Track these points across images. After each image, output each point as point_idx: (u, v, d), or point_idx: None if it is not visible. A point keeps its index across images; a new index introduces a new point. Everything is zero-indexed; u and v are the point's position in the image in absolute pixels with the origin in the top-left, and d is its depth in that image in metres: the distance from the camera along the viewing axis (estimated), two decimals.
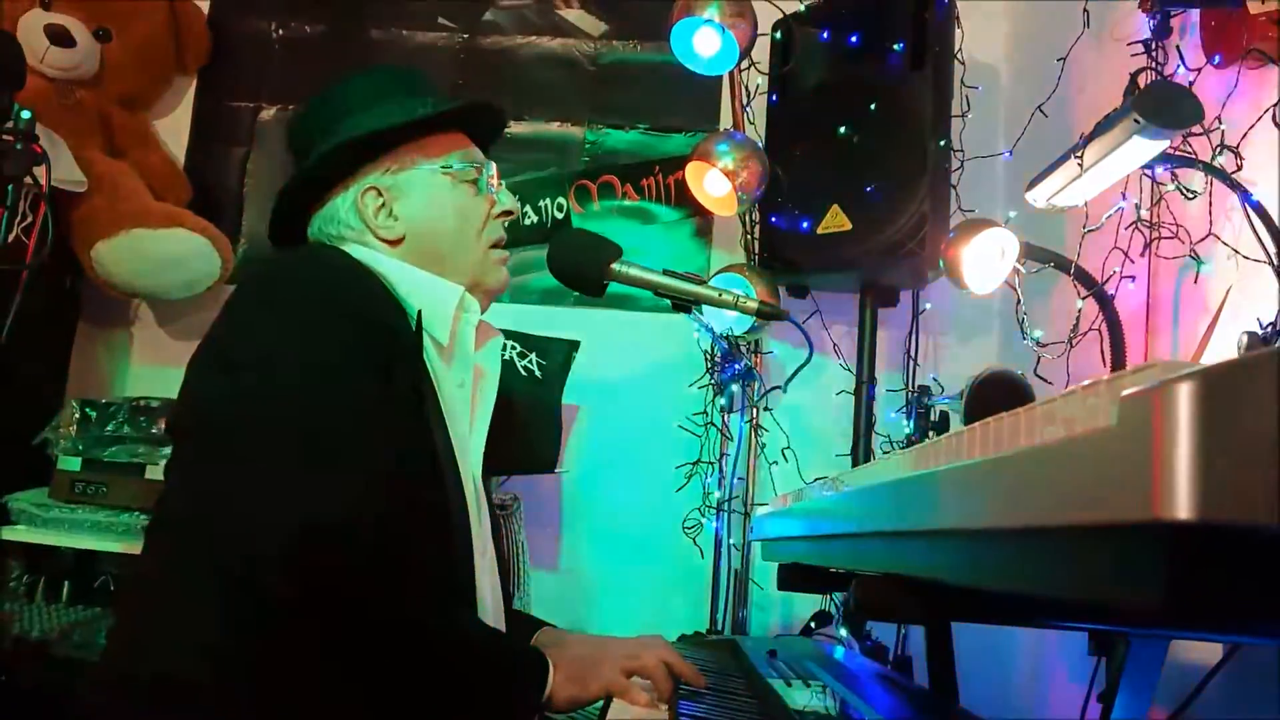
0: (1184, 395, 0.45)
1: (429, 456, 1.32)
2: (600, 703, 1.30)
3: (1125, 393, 0.49)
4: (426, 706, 1.21)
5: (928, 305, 2.61)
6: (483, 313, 1.47)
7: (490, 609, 1.40)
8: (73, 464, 2.46)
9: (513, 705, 1.26)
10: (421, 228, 1.45)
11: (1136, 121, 1.23)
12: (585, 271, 1.52)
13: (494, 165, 1.54)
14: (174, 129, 3.07)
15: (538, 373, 2.50)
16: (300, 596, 1.12)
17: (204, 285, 2.75)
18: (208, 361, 1.29)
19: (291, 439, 1.16)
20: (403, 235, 1.44)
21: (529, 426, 2.43)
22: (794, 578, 1.70)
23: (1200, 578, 0.45)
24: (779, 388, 2.29)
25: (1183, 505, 0.44)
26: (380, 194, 1.45)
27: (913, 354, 2.58)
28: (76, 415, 2.49)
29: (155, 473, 2.44)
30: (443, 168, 1.47)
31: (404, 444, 1.28)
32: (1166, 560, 0.46)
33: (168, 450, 2.46)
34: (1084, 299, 1.64)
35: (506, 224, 1.52)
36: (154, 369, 2.95)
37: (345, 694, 1.18)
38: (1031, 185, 1.60)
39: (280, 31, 3.13)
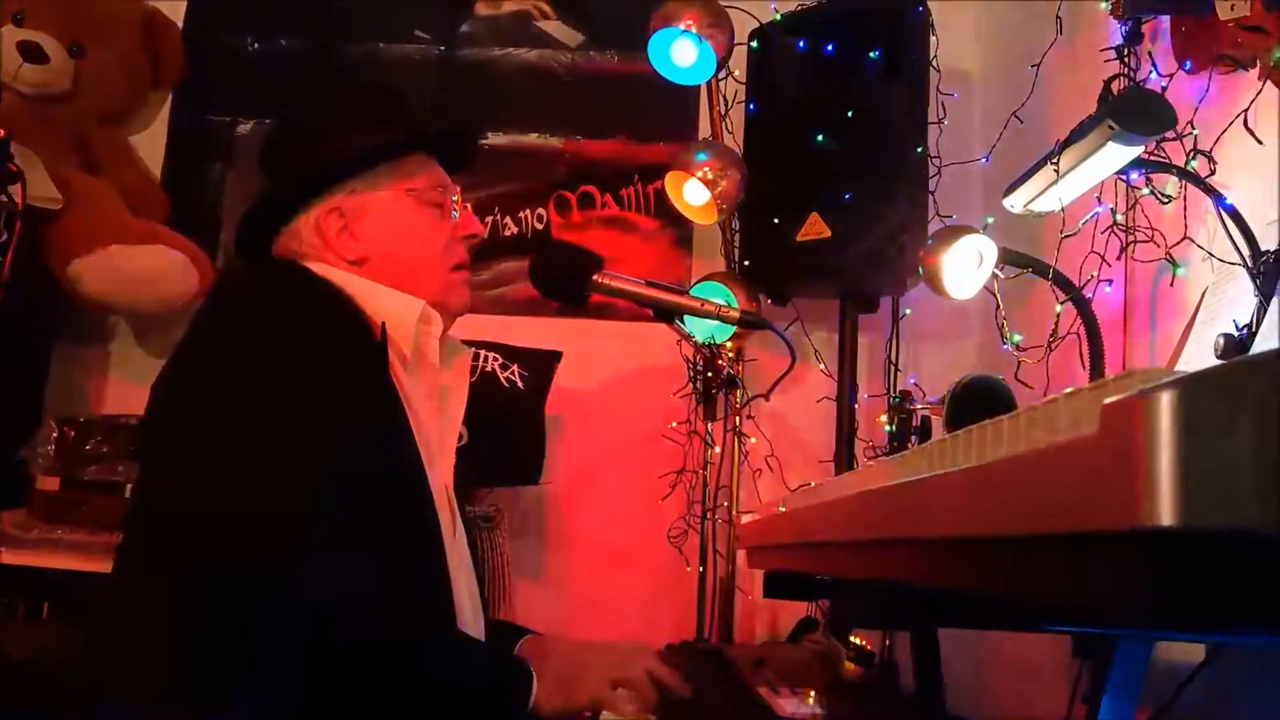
0: (1165, 403, 0.45)
1: (400, 468, 1.31)
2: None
3: (1107, 401, 0.49)
4: (401, 716, 1.19)
5: (907, 311, 2.63)
6: (445, 330, 1.47)
7: (469, 620, 1.40)
8: (51, 483, 2.44)
9: (495, 714, 1.26)
10: (382, 249, 1.45)
11: (1111, 128, 1.24)
12: (568, 283, 1.52)
13: (458, 189, 1.54)
14: (150, 145, 3.05)
15: (519, 384, 2.50)
16: (270, 610, 1.10)
17: (182, 301, 2.73)
18: (172, 382, 1.28)
19: (260, 450, 1.16)
20: (364, 256, 1.44)
21: (511, 438, 2.43)
22: (781, 585, 1.71)
23: (1185, 583, 0.45)
24: (762, 396, 2.30)
25: (1166, 512, 0.44)
26: (342, 214, 1.44)
27: (893, 360, 2.59)
28: (55, 434, 2.47)
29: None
30: (407, 190, 1.47)
31: (375, 456, 1.27)
32: (1152, 567, 0.46)
33: None
34: (1063, 303, 1.65)
35: (472, 247, 1.52)
36: (132, 386, 2.91)
37: (321, 709, 1.17)
38: (1009, 191, 1.61)
39: (256, 45, 3.12)
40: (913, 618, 0.97)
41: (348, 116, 1.52)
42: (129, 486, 2.43)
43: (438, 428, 1.44)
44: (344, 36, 3.11)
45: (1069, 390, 0.59)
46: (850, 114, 2.41)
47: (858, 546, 0.91)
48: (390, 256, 1.45)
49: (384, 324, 1.36)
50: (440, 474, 1.41)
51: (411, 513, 1.32)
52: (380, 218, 1.45)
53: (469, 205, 1.52)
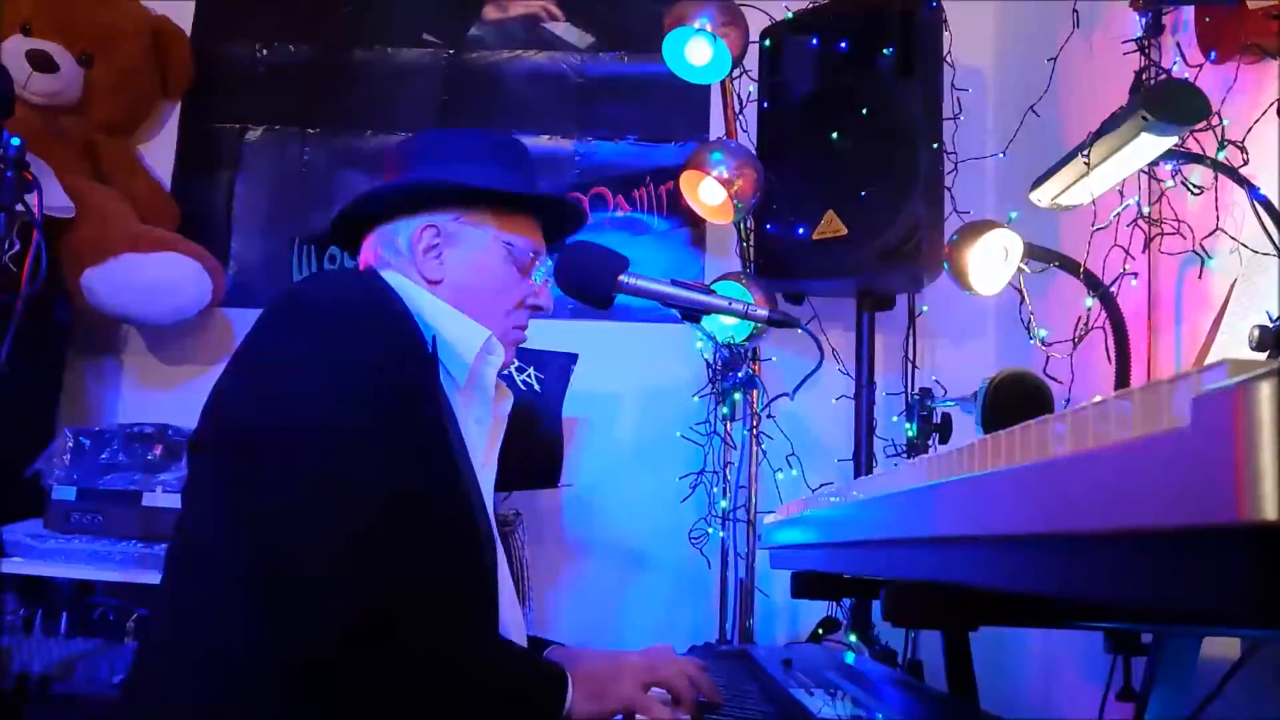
0: (1266, 393, 0.44)
1: (457, 480, 1.33)
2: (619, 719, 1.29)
3: (1200, 392, 0.48)
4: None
5: (924, 308, 2.62)
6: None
7: (512, 629, 1.39)
8: (68, 493, 2.43)
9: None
10: (461, 280, 1.48)
11: (1145, 119, 1.23)
12: (594, 284, 1.51)
13: (547, 260, 1.57)
14: (159, 153, 3.05)
15: (536, 386, 2.48)
16: (347, 618, 1.12)
17: (195, 309, 2.72)
18: (239, 380, 1.29)
19: (328, 458, 1.17)
20: (442, 279, 1.47)
21: (529, 441, 2.42)
22: (809, 586, 1.70)
23: None
24: (786, 395, 2.28)
25: (1270, 506, 0.43)
26: (439, 235, 1.47)
27: (911, 357, 2.58)
28: (70, 444, 2.46)
29: (153, 499, 2.41)
30: (505, 241, 1.50)
31: (436, 467, 1.30)
32: (1256, 562, 0.45)
33: (165, 476, 2.45)
34: (1092, 299, 1.63)
35: (532, 317, 1.56)
36: (146, 394, 2.92)
37: (372, 711, 1.17)
38: (1036, 185, 1.60)
39: (264, 52, 3.12)
40: (961, 618, 0.95)
41: (480, 148, 1.55)
42: (145, 494, 2.43)
43: (482, 452, 1.45)
44: (352, 42, 3.10)
45: (1145, 383, 0.57)
46: (865, 111, 2.39)
47: (907, 545, 0.90)
48: (464, 290, 1.47)
49: (434, 338, 1.37)
50: (485, 494, 1.43)
51: (468, 523, 1.33)
52: (469, 253, 1.49)
53: (549, 282, 1.56)
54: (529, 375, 2.49)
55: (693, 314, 1.51)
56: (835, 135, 2.40)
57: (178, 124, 3.08)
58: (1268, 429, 0.43)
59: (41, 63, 2.66)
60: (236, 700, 1.17)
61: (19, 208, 1.87)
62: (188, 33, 3.06)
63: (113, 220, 2.66)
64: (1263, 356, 1.32)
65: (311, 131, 3.07)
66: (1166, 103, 1.24)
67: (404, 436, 1.24)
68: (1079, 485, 0.59)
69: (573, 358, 2.55)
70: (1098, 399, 0.62)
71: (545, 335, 2.62)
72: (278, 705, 1.16)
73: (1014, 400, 1.38)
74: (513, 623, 1.42)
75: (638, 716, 1.28)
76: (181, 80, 3.03)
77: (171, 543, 1.34)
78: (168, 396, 2.86)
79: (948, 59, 2.49)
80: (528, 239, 1.53)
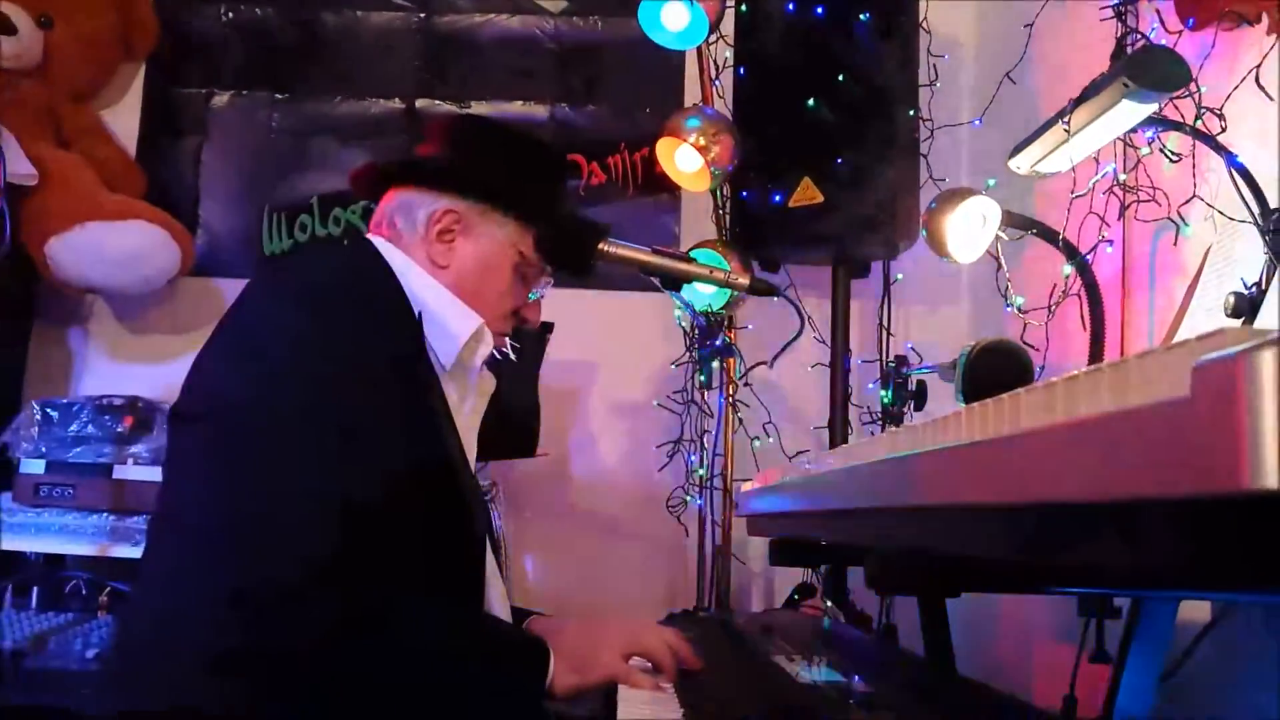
0: (1269, 362, 0.44)
1: (447, 454, 1.33)
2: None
3: (1199, 362, 0.48)
4: (430, 697, 1.20)
5: (899, 276, 2.62)
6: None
7: (496, 602, 1.40)
8: (36, 466, 2.39)
9: (512, 694, 1.26)
10: (465, 271, 1.47)
11: (1125, 85, 1.23)
12: (575, 252, 1.50)
13: (550, 283, 1.58)
14: (123, 118, 2.98)
15: (512, 356, 2.46)
16: (332, 597, 1.13)
17: (163, 278, 2.68)
18: (224, 349, 1.28)
19: (322, 433, 1.17)
20: (448, 266, 1.46)
21: (506, 411, 2.40)
22: (788, 553, 1.71)
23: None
24: (764, 363, 2.28)
25: (1272, 475, 0.43)
26: (458, 220, 1.46)
27: (886, 324, 2.59)
28: (37, 416, 2.42)
29: (124, 472, 2.38)
30: (518, 250, 1.49)
31: (426, 439, 1.30)
32: (1255, 530, 0.45)
33: (136, 449, 2.42)
34: (1070, 267, 1.64)
35: (517, 328, 1.58)
36: (114, 365, 2.87)
37: (353, 682, 1.17)
38: (1015, 152, 1.60)
39: (230, 15, 3.05)
40: (943, 585, 0.96)
41: (532, 156, 1.56)
42: (116, 467, 2.40)
43: (464, 431, 1.45)
44: (321, 5, 3.04)
45: (1139, 353, 0.57)
46: (841, 77, 2.38)
47: (893, 514, 0.90)
48: (465, 281, 1.47)
49: (420, 313, 1.36)
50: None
51: (456, 496, 1.33)
52: (481, 248, 1.48)
53: (543, 300, 1.58)
54: (505, 345, 2.47)
55: (673, 282, 1.50)
56: (811, 102, 2.39)
57: (142, 89, 3.02)
58: (1269, 398, 0.43)
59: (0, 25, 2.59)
60: (219, 675, 1.16)
61: None
62: None
63: (77, 188, 2.61)
64: (1238, 323, 1.33)
65: (280, 97, 3.02)
66: (1148, 69, 1.24)
67: (393, 414, 1.24)
68: (1074, 454, 0.59)
69: (549, 327, 2.53)
70: (1091, 367, 0.62)
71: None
72: (262, 681, 1.16)
73: (994, 369, 1.39)
74: (496, 595, 1.42)
75: (619, 686, 1.28)
76: (146, 43, 2.96)
77: (153, 515, 1.33)
78: (137, 367, 2.82)
79: (924, 25, 2.48)
80: (541, 254, 1.53)
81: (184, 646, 1.18)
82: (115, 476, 2.39)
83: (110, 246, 2.56)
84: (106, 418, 2.44)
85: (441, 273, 1.45)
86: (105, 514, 2.35)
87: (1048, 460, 0.62)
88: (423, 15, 3.03)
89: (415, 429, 1.28)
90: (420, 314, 1.37)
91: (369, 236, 1.49)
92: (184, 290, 2.83)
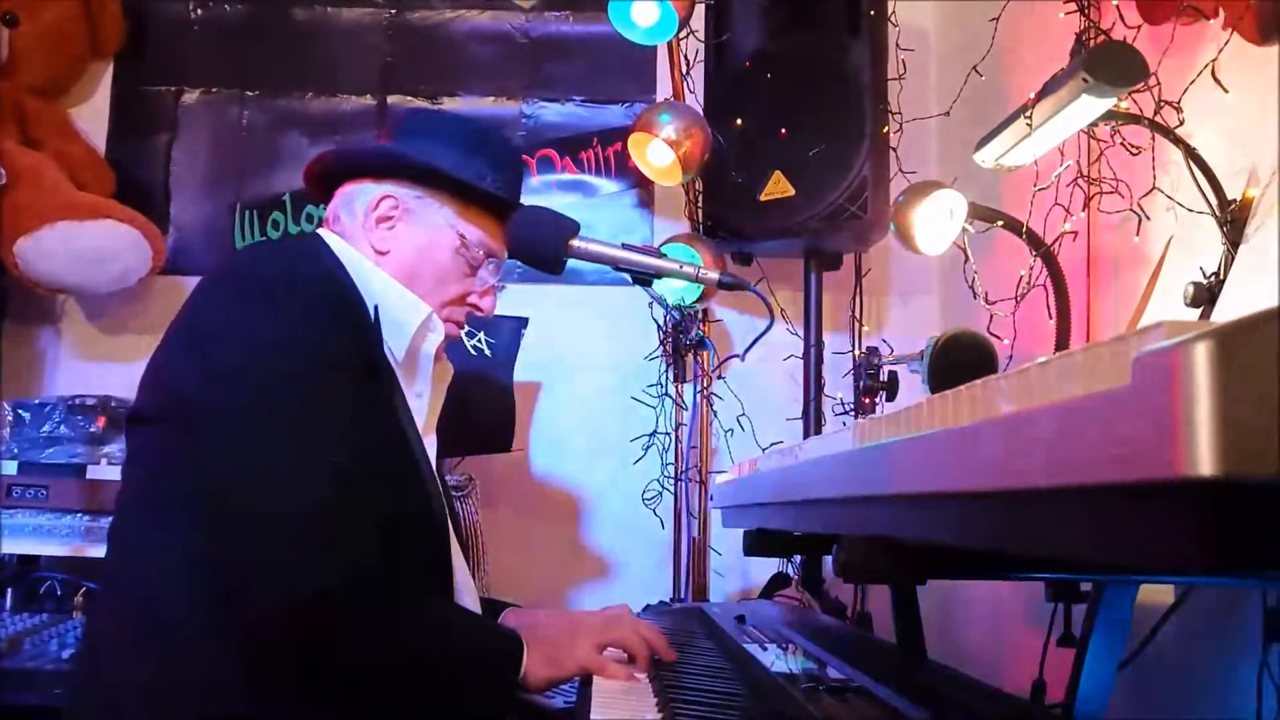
0: (1201, 354, 0.46)
1: (407, 446, 1.33)
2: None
3: (1139, 353, 0.50)
4: (399, 693, 1.20)
5: (871, 268, 2.65)
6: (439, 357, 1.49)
7: (466, 595, 1.41)
8: (9, 467, 2.38)
9: (486, 688, 1.26)
10: (406, 258, 1.46)
11: (1085, 80, 1.25)
12: (545, 249, 1.51)
13: (500, 267, 1.56)
14: (92, 117, 2.95)
15: (487, 351, 2.48)
16: (299, 593, 1.13)
17: (134, 277, 2.67)
18: (180, 349, 1.27)
19: (279, 430, 1.17)
20: (389, 251, 1.46)
21: (482, 406, 2.41)
22: (761, 543, 1.73)
23: (1227, 530, 0.46)
24: (737, 356, 2.31)
25: (1206, 462, 0.45)
26: (395, 205, 1.46)
27: (858, 316, 2.61)
28: (10, 417, 2.41)
29: (97, 472, 2.37)
30: (459, 234, 1.49)
31: (385, 432, 1.30)
32: (1191, 516, 0.47)
33: (109, 449, 2.41)
34: (1035, 258, 1.67)
35: (470, 316, 1.55)
36: (86, 365, 2.86)
37: (326, 679, 1.17)
38: (980, 145, 1.62)
39: (199, 11, 3.03)
40: (912, 572, 0.98)
41: (469, 138, 1.54)
42: (90, 468, 2.39)
43: (422, 426, 1.45)
44: (290, 2, 3.03)
45: (1088, 345, 0.59)
46: (811, 71, 2.40)
47: (861, 503, 0.92)
48: (406, 267, 1.46)
49: (376, 306, 1.36)
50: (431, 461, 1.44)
51: (420, 490, 1.33)
52: (422, 233, 1.47)
53: (499, 290, 1.55)
54: (479, 340, 2.48)
55: (644, 278, 1.52)
56: (782, 96, 2.41)
57: (111, 86, 2.99)
58: (1203, 388, 0.45)
59: None
60: (188, 674, 1.17)
61: None
62: None
63: (45, 187, 2.58)
64: (1196, 313, 1.36)
65: (250, 94, 3.00)
66: (1106, 64, 1.26)
67: (351, 409, 1.24)
68: (1024, 443, 0.61)
69: (523, 322, 2.54)
70: (1042, 359, 0.64)
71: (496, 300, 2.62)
72: (232, 680, 1.16)
73: (960, 359, 1.41)
74: (465, 588, 1.43)
75: (594, 677, 1.29)
76: (113, 40, 2.94)
77: (115, 518, 1.32)
78: (109, 367, 2.81)
79: (892, 19, 2.50)
80: (484, 236, 1.51)
81: (159, 647, 1.18)
82: (89, 477, 2.38)
83: (81, 245, 2.54)
84: (79, 418, 2.43)
85: (383, 260, 1.45)
86: (79, 514, 2.34)
87: (1002, 449, 0.64)
88: (393, 11, 3.02)
89: (370, 420, 1.28)
90: (377, 307, 1.36)
91: (319, 232, 1.49)
92: (156, 289, 2.81)
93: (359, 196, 1.47)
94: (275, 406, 1.18)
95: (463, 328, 1.57)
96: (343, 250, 1.43)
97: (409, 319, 1.41)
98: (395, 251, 1.46)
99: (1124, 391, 0.50)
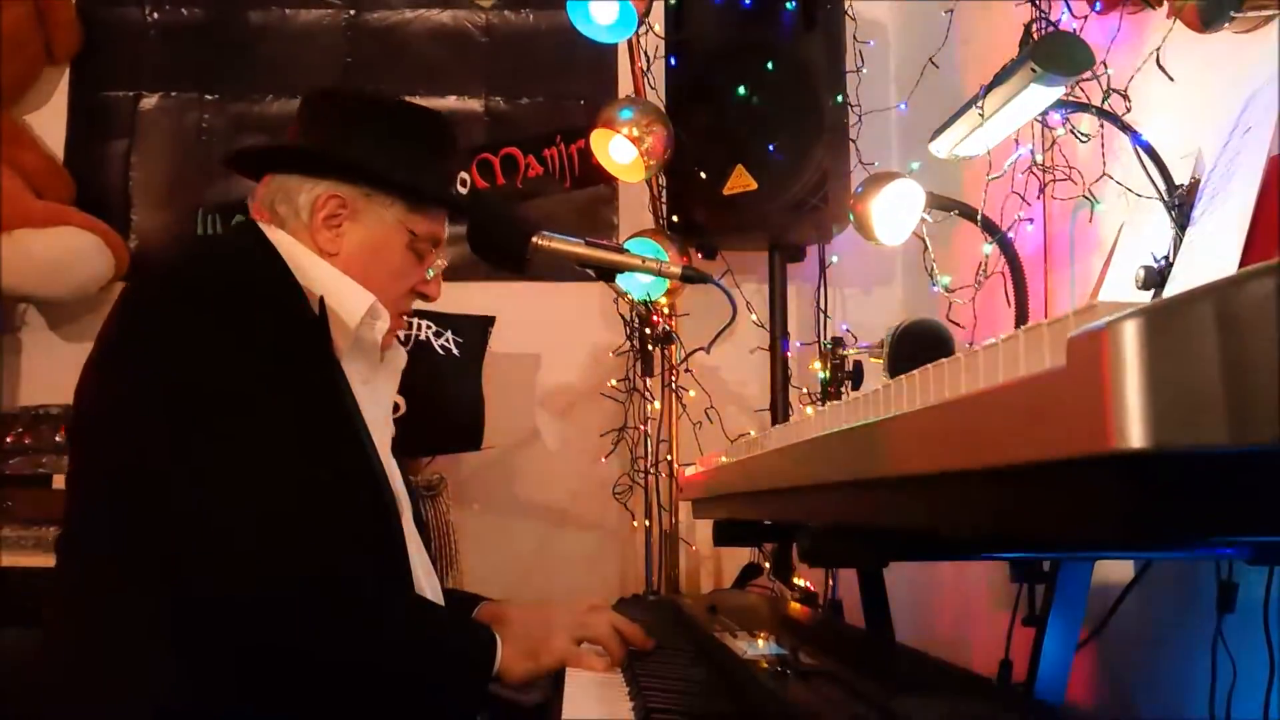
0: (1130, 332, 0.48)
1: (354, 441, 1.31)
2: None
3: (1073, 333, 0.52)
4: (372, 693, 1.19)
5: (834, 259, 2.67)
6: (387, 346, 1.48)
7: (426, 589, 1.40)
8: None
9: (462, 686, 1.26)
10: (355, 258, 1.44)
11: (1033, 70, 1.28)
12: (508, 247, 1.52)
13: (444, 253, 1.56)
14: (49, 124, 2.92)
15: (455, 351, 2.48)
16: (248, 599, 1.12)
17: (96, 284, 2.65)
18: (107, 362, 1.25)
19: (212, 439, 1.15)
20: (337, 253, 1.43)
21: (451, 405, 2.42)
22: (730, 533, 1.75)
23: (1158, 500, 0.48)
24: (703, 349, 2.32)
25: (1136, 435, 0.47)
26: (342, 207, 1.43)
27: (823, 307, 2.64)
28: None
29: (63, 482, 2.35)
30: (409, 230, 1.47)
31: (330, 425, 1.28)
32: (1123, 488, 0.49)
33: None
34: (990, 244, 1.70)
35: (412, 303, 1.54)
36: (48, 375, 2.82)
37: (290, 686, 1.17)
38: (934, 136, 1.65)
39: (155, 16, 3.01)
40: (874, 556, 1.00)
41: (408, 130, 1.51)
42: (55, 477, 2.37)
43: (374, 414, 1.42)
44: (247, 3, 3.01)
45: (1028, 326, 0.61)
46: (769, 65, 2.42)
47: (821, 490, 0.94)
48: (356, 266, 1.43)
49: (322, 298, 1.34)
50: (383, 454, 1.41)
51: (371, 486, 1.32)
52: (370, 233, 1.45)
53: (441, 271, 1.54)
54: (446, 339, 2.48)
55: (607, 273, 1.53)
56: (741, 90, 2.43)
57: (67, 92, 2.96)
58: (1132, 363, 0.47)
59: None
60: (141, 685, 1.15)
61: None
62: None
63: (3, 196, 2.56)
64: (1148, 296, 1.39)
65: (210, 98, 2.99)
66: (1053, 54, 1.29)
67: (292, 406, 1.22)
68: (970, 424, 0.63)
69: (490, 320, 2.55)
70: (989, 341, 0.66)
71: (462, 298, 2.62)
72: (193, 691, 1.15)
73: (917, 347, 1.44)
74: (428, 586, 1.42)
75: (569, 671, 1.30)
76: (67, 45, 2.91)
77: (63, 532, 1.31)
78: (72, 376, 2.75)
79: (849, 12, 2.53)
80: (432, 229, 1.50)
81: (120, 656, 1.17)
82: (55, 486, 2.36)
83: (41, 254, 2.52)
84: (43, 427, 2.41)
85: (333, 259, 1.42)
86: (45, 524, 2.32)
87: (951, 430, 0.66)
88: (352, 12, 3.01)
89: (313, 415, 1.26)
90: (321, 298, 1.34)
91: (253, 220, 1.46)
92: (119, 296, 2.79)
93: (299, 192, 1.43)
94: (212, 413, 1.16)
95: (408, 315, 1.55)
96: (282, 242, 1.39)
97: (353, 309, 1.38)
98: (345, 253, 1.43)
99: (1060, 370, 0.52)
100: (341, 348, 1.37)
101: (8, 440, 2.39)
